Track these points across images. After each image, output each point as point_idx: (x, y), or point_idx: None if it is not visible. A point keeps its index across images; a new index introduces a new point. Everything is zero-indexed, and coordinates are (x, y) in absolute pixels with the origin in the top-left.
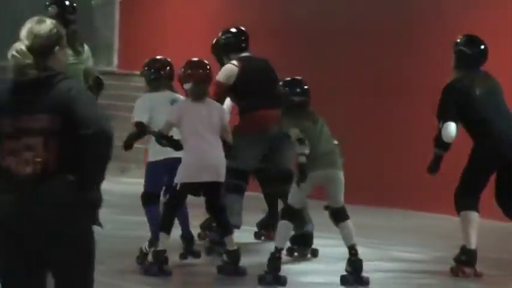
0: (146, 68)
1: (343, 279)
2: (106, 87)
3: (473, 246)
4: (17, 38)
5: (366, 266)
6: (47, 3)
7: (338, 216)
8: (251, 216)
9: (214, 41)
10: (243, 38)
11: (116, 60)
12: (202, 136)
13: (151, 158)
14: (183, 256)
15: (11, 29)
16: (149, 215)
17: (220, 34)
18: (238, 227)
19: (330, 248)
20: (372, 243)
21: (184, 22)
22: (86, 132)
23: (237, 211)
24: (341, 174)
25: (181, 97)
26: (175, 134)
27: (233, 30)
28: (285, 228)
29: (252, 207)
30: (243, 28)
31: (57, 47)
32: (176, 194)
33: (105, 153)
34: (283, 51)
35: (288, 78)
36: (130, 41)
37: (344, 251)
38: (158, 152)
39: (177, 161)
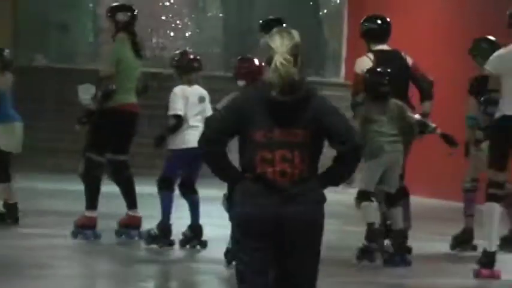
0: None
1: (387, 261)
2: (333, 98)
3: None
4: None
5: None
6: (113, 9)
7: (392, 200)
8: None
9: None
10: (385, 27)
11: (343, 72)
12: None
13: (173, 146)
14: (193, 246)
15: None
16: (163, 199)
17: (363, 20)
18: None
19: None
20: None
21: (412, 34)
22: (343, 148)
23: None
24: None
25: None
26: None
27: (377, 19)
28: (370, 208)
29: None
30: (387, 18)
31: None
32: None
33: (355, 165)
34: None
35: (378, 68)
36: (359, 53)
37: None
38: (178, 141)
39: (196, 151)
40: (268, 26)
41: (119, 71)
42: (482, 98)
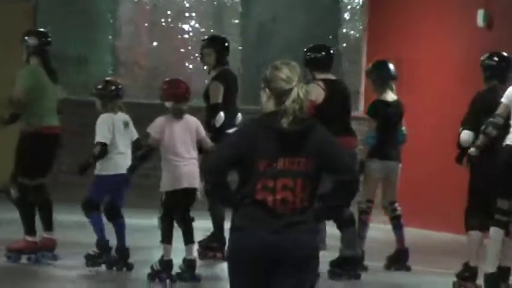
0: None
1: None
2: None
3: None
4: None
5: None
6: (25, 34)
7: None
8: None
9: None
10: (328, 56)
11: (361, 106)
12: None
13: (101, 172)
14: (119, 268)
15: None
16: (94, 221)
17: (307, 50)
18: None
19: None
20: None
21: (433, 69)
22: (345, 179)
23: (322, 236)
24: None
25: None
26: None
27: (321, 48)
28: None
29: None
30: (330, 48)
31: None
32: (164, 205)
33: (351, 196)
34: None
35: None
36: None
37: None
38: (108, 167)
39: (124, 177)
40: (215, 42)
41: (37, 96)
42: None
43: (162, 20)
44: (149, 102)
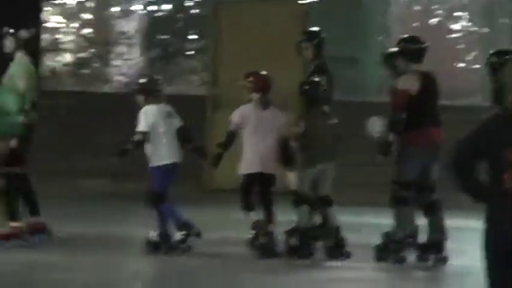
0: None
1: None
2: None
3: None
4: None
5: None
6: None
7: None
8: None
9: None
10: (423, 48)
11: None
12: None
13: (157, 163)
14: (164, 251)
15: None
16: (164, 212)
17: (399, 40)
18: (414, 236)
19: None
20: None
21: None
22: None
23: (411, 222)
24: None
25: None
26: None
27: (414, 38)
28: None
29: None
30: (422, 39)
31: None
32: (243, 183)
33: None
34: None
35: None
36: None
37: None
38: (162, 157)
39: (176, 165)
40: (311, 35)
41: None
42: None
43: (433, 19)
44: None
